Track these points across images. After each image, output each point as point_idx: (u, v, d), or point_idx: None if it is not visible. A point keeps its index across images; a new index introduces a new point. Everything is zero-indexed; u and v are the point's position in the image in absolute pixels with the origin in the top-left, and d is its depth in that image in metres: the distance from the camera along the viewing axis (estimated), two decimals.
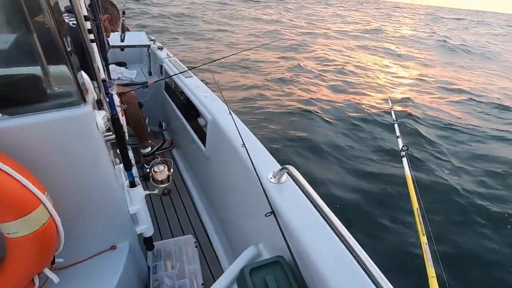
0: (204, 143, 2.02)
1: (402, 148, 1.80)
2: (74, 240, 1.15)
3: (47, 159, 0.99)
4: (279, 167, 1.30)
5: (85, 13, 0.93)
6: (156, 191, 1.45)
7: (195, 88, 2.26)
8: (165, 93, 2.91)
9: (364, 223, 3.23)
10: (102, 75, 1.06)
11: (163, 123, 3.27)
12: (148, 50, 3.23)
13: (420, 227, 1.06)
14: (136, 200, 1.36)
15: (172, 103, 2.70)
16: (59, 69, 0.99)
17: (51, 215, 0.94)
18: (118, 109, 1.18)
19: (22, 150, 0.92)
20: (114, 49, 3.08)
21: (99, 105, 1.17)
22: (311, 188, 1.06)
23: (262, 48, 8.84)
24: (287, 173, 1.19)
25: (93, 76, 1.11)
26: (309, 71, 7.83)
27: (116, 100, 1.16)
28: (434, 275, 0.86)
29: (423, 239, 1.02)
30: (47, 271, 1.04)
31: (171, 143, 3.00)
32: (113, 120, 1.15)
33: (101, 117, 1.10)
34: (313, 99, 6.09)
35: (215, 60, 2.83)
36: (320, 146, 4.56)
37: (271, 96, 6.02)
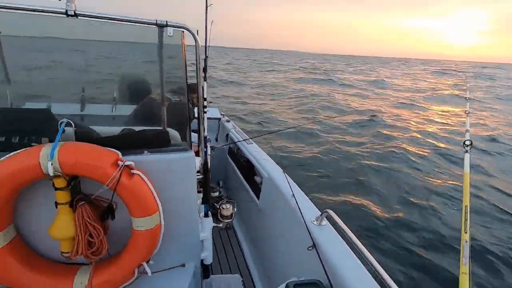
0: (258, 197, 2.42)
1: (465, 142, 1.63)
2: (159, 250, 1.54)
3: (163, 182, 1.48)
4: (320, 212, 1.62)
5: (205, 95, 1.54)
6: (220, 225, 1.84)
7: (254, 152, 2.79)
8: (228, 156, 3.51)
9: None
10: (205, 133, 1.62)
11: (220, 181, 3.81)
12: (218, 122, 4.02)
13: (465, 224, 1.06)
14: (206, 228, 1.75)
15: (233, 164, 3.25)
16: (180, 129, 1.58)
17: (160, 220, 1.38)
18: (208, 157, 1.70)
19: (153, 174, 1.43)
20: (194, 120, 3.94)
21: (196, 153, 1.71)
22: (348, 229, 1.36)
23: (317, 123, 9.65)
24: (327, 216, 1.50)
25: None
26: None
27: (209, 151, 1.68)
28: (466, 272, 0.91)
29: (465, 237, 1.02)
30: (145, 265, 1.43)
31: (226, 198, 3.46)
32: (205, 164, 1.66)
33: (198, 161, 1.62)
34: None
35: (273, 132, 3.41)
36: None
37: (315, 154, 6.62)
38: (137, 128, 1.60)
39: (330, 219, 1.48)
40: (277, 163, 2.45)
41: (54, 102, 1.76)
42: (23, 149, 1.18)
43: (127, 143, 1.43)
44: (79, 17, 1.21)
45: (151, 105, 1.88)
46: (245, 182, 2.80)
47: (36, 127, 1.39)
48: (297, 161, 6.36)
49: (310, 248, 1.44)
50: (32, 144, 1.32)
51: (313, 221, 1.61)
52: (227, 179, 3.64)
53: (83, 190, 1.31)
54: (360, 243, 1.26)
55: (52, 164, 1.13)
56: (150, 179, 1.38)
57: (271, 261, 2.15)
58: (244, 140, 3.14)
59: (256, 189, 2.53)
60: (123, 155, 1.33)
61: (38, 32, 1.56)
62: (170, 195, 1.52)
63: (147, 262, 1.46)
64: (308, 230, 1.52)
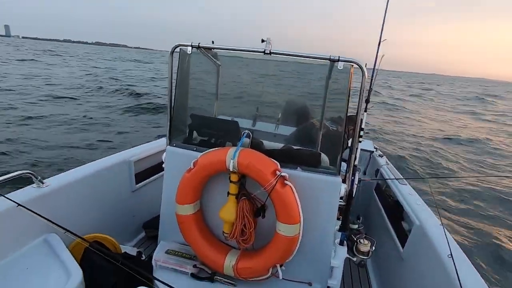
0: (403, 245, 2.14)
1: None
2: (291, 261, 1.66)
3: (308, 199, 1.61)
4: (486, 286, 1.27)
5: (363, 126, 1.57)
6: (354, 259, 1.77)
7: (407, 195, 2.49)
8: (374, 192, 3.29)
9: None
10: (356, 162, 1.64)
11: (361, 216, 3.59)
12: (370, 155, 3.85)
13: None
14: (339, 256, 1.74)
15: (379, 202, 3.01)
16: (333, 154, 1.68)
17: (299, 232, 1.51)
18: (355, 186, 1.71)
19: (301, 189, 1.59)
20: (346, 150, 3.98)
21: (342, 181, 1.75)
22: None
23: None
24: None
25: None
26: None
27: (356, 180, 1.69)
28: None
29: None
30: (278, 267, 1.59)
31: None
32: (350, 192, 1.67)
33: (343, 187, 1.65)
34: None
35: (433, 177, 2.93)
36: None
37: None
38: (295, 147, 1.84)
39: None
40: (436, 212, 2.10)
41: (235, 117, 2.30)
42: (217, 148, 1.62)
43: (285, 158, 1.66)
44: (272, 54, 1.57)
45: (310, 129, 2.10)
46: (389, 224, 2.53)
47: (226, 133, 1.87)
48: (461, 214, 5.10)
49: None
50: (221, 145, 1.79)
51: None
52: (369, 216, 3.39)
53: (247, 187, 1.63)
54: None
55: (232, 162, 1.49)
56: (298, 192, 1.55)
57: None
58: (396, 178, 2.86)
59: (402, 235, 2.24)
60: (281, 167, 1.57)
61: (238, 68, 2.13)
62: (311, 212, 1.63)
63: (281, 266, 1.62)
64: None
